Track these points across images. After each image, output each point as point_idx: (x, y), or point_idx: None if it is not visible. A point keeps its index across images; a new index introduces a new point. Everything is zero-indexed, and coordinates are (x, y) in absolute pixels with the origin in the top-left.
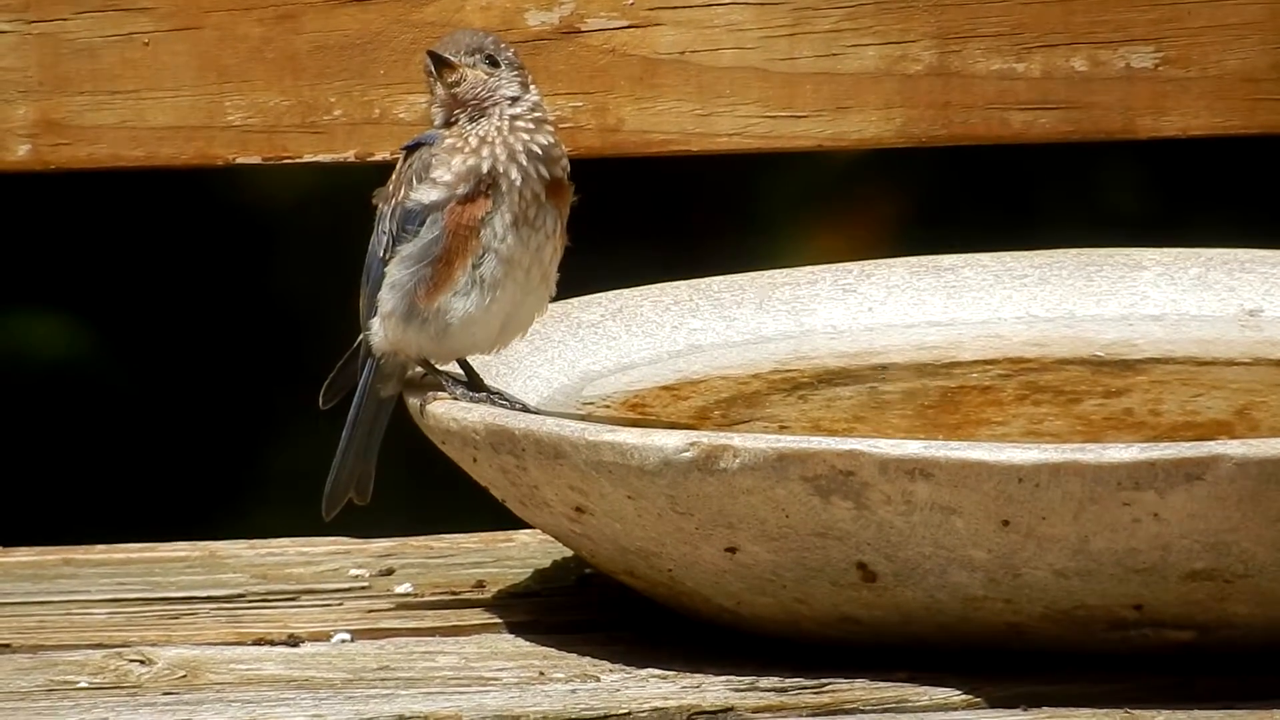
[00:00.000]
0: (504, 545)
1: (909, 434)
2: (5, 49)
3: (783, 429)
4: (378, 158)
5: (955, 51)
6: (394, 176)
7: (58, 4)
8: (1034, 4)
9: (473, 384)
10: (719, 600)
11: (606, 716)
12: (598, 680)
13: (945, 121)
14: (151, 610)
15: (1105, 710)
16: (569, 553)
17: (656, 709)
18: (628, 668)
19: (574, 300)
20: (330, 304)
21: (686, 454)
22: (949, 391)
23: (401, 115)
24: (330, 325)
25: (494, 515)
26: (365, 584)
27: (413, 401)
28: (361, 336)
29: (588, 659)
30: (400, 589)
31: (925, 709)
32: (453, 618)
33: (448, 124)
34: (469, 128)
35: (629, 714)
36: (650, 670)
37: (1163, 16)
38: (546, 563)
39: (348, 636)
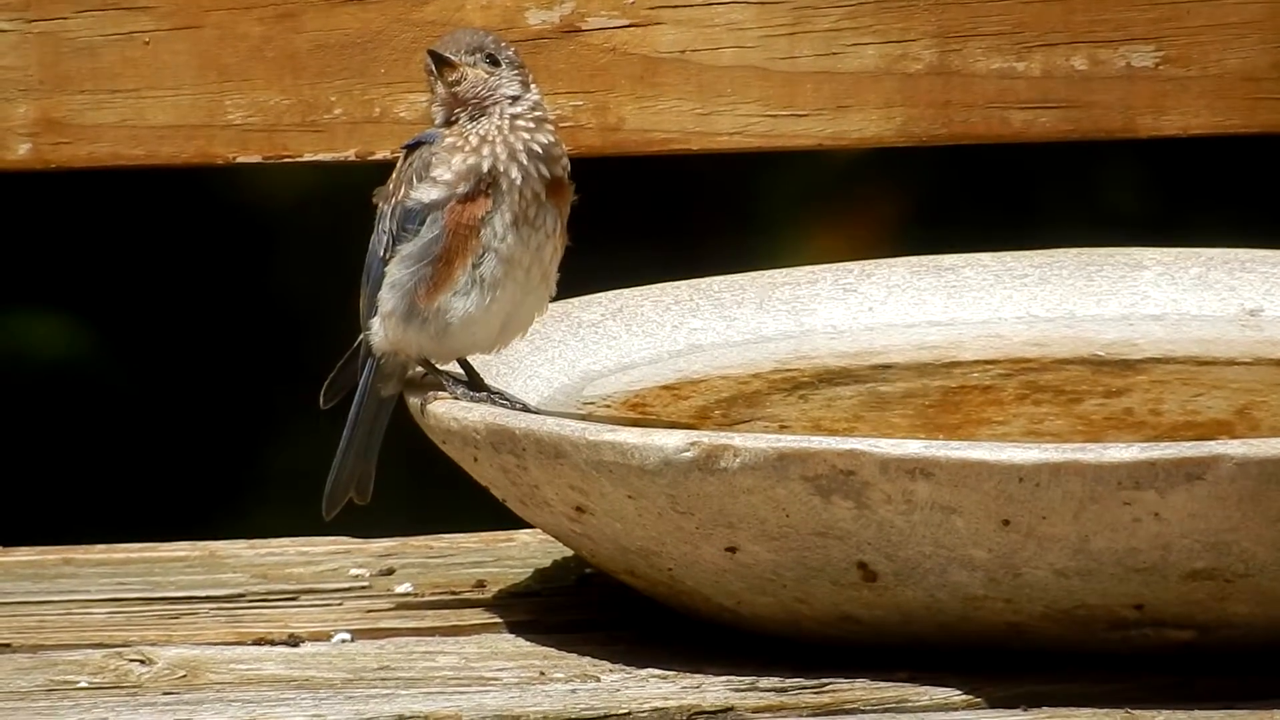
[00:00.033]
0: (504, 545)
1: (909, 434)
2: (6, 48)
3: (783, 429)
4: (378, 157)
5: (955, 50)
6: (394, 175)
7: (58, 3)
8: (1034, 3)
9: (473, 383)
10: (719, 600)
11: (606, 716)
12: (598, 680)
13: (945, 120)
14: (151, 610)
15: (1105, 710)
16: (569, 552)
17: (656, 709)
18: (628, 668)
19: (574, 300)
20: (330, 304)
21: (687, 454)
22: (949, 391)
23: (402, 114)
24: (330, 325)
25: (494, 515)
26: (365, 584)
27: (413, 401)
28: (362, 336)
29: (588, 659)
30: (400, 589)
31: (925, 709)
32: (453, 618)
33: (448, 123)
34: (469, 127)
35: (629, 714)
36: (650, 670)
37: (1163, 15)
38: (547, 562)
39: (348, 636)
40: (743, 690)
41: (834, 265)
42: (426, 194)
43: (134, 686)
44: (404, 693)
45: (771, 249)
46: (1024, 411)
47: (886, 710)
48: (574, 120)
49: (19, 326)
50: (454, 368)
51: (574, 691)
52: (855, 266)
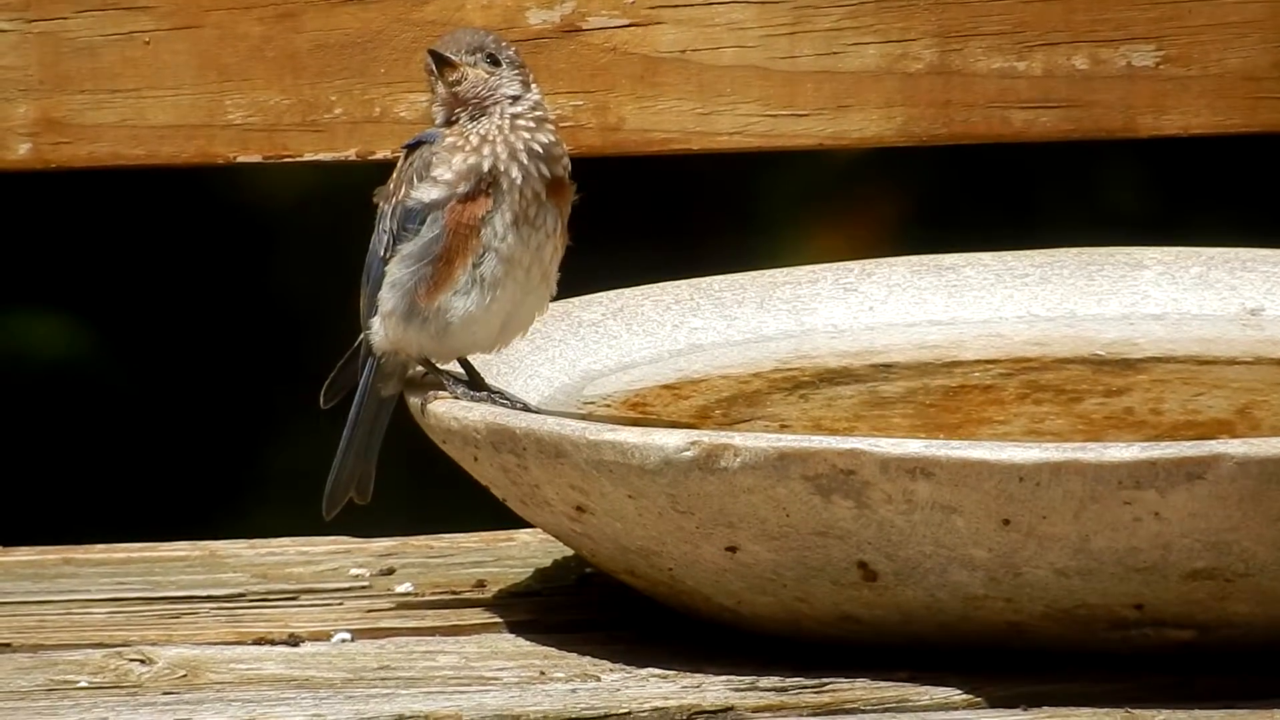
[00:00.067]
0: (504, 545)
1: (910, 433)
2: (6, 48)
3: (784, 428)
4: (378, 156)
5: (956, 50)
6: (394, 175)
7: (58, 3)
8: (1035, 2)
9: (474, 383)
10: (719, 599)
11: (606, 716)
12: (598, 680)
13: (946, 120)
14: (151, 610)
15: (1105, 710)
16: (569, 552)
17: (657, 709)
18: (628, 667)
19: (575, 299)
20: (330, 303)
21: (687, 453)
22: (950, 391)
23: (402, 114)
24: (330, 325)
25: (494, 515)
26: (365, 583)
27: (413, 401)
28: (362, 336)
29: (588, 659)
30: (401, 588)
31: (926, 708)
32: (453, 617)
33: (449, 122)
34: (470, 126)
35: (629, 714)
36: (650, 670)
37: (1163, 15)
38: (547, 562)
39: (348, 636)
40: (743, 690)
41: (834, 265)
42: (427, 193)
43: (134, 686)
44: (404, 692)
45: (772, 249)
46: (1025, 411)
47: (887, 710)
48: (574, 120)
49: (19, 326)
50: (454, 367)
51: (574, 691)
52: (856, 266)
